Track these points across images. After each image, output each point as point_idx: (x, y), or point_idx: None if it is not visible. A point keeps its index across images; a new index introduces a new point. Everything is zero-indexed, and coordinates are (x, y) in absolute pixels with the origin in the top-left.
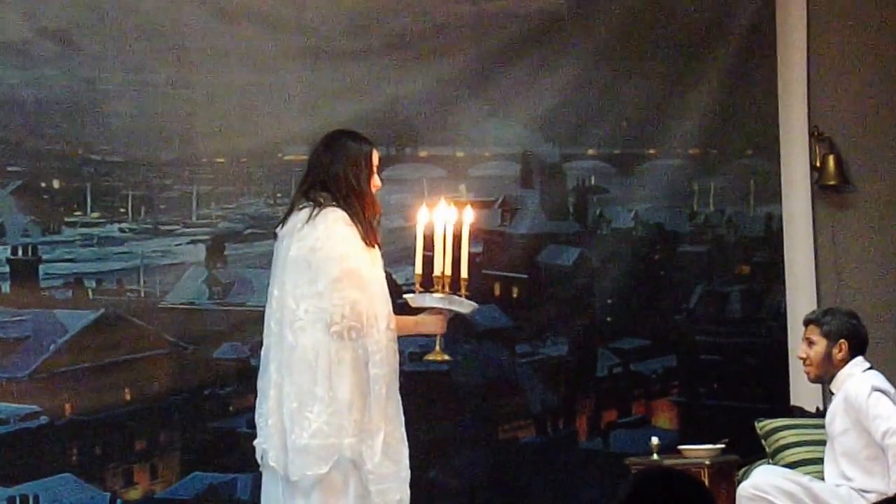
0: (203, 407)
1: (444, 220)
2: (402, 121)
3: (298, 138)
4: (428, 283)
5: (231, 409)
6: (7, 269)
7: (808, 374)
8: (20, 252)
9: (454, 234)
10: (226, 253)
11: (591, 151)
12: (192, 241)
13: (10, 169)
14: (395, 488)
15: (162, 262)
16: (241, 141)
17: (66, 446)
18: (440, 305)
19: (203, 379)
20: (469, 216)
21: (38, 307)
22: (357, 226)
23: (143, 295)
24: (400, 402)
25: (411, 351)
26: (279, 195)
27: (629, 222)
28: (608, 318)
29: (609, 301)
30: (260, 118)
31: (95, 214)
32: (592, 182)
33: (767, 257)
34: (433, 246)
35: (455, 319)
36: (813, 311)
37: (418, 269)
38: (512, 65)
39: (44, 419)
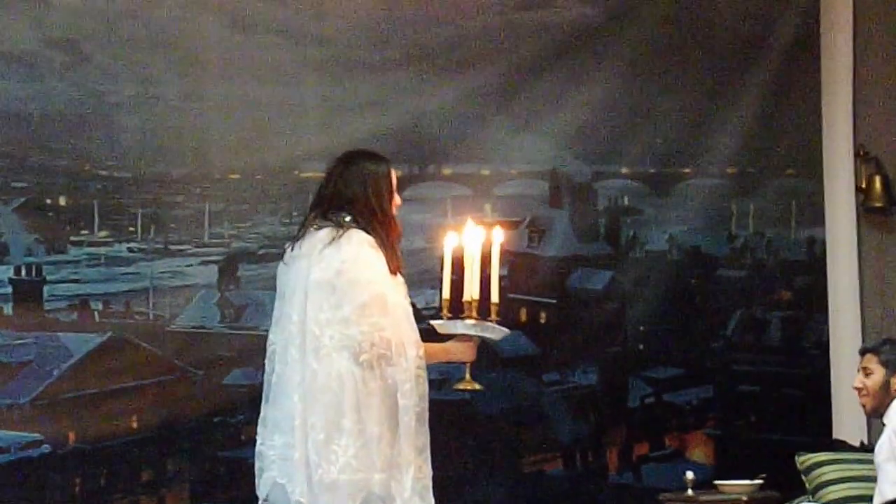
0: (213, 436)
1: (473, 241)
2: (424, 137)
3: (316, 154)
4: (456, 308)
5: (242, 437)
6: (10, 289)
7: (863, 405)
8: (24, 272)
9: (483, 257)
10: (238, 274)
11: (623, 170)
12: (204, 262)
13: (14, 185)
14: None
15: (172, 283)
16: (256, 157)
17: (70, 476)
18: (471, 332)
19: (213, 406)
20: (499, 236)
21: (42, 330)
22: (381, 250)
23: (151, 318)
24: (428, 435)
25: (432, 378)
26: (295, 213)
27: (664, 245)
28: (640, 346)
29: (642, 328)
30: (275, 133)
31: (103, 233)
32: (625, 202)
33: (809, 283)
34: (459, 269)
35: (481, 346)
36: (871, 341)
37: (446, 293)
38: (541, 78)
39: (46, 448)
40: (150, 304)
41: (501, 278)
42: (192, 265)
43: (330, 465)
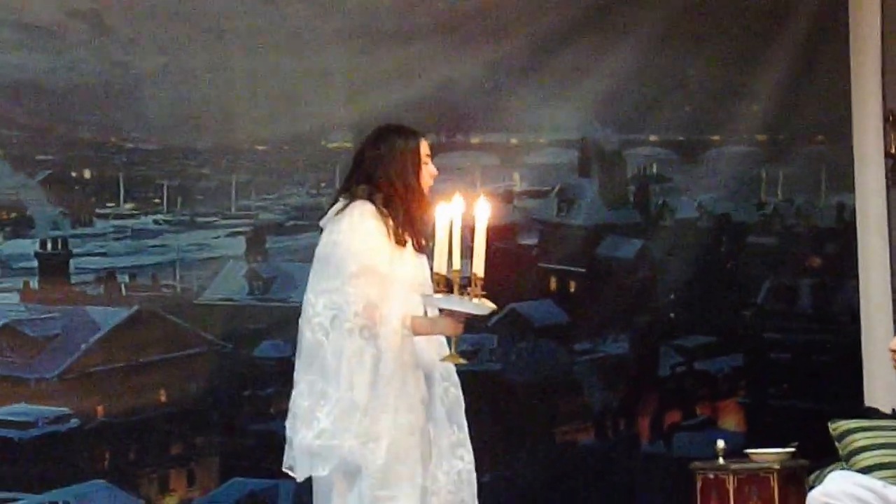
0: (243, 409)
1: (455, 215)
2: (452, 106)
3: (343, 125)
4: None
5: (272, 410)
6: (36, 263)
7: None
8: (49, 246)
9: (469, 230)
10: (266, 246)
11: (652, 138)
12: (231, 234)
13: (38, 158)
14: (410, 495)
15: (199, 255)
16: (283, 128)
17: (98, 451)
18: (448, 307)
19: (243, 379)
20: (484, 210)
21: (69, 304)
22: (387, 221)
23: (179, 291)
24: (425, 404)
25: (463, 349)
26: (322, 184)
27: (693, 212)
28: (671, 314)
29: (672, 296)
30: (302, 104)
31: (129, 206)
32: (654, 170)
33: (839, 249)
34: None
35: (509, 317)
36: None
37: (437, 267)
38: (569, 46)
39: (74, 422)
40: (178, 277)
41: (531, 247)
42: (219, 237)
43: (308, 431)
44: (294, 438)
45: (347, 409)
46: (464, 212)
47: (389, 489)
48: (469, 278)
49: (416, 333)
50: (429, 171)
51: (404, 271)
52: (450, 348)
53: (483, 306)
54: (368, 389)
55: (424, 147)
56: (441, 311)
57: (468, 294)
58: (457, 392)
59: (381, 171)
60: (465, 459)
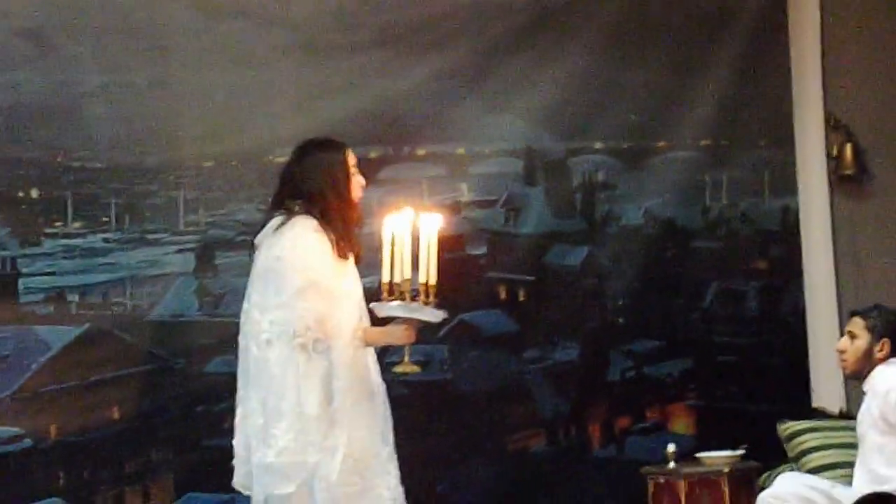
0: (196, 424)
1: (405, 224)
2: (398, 118)
3: (289, 139)
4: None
5: (225, 425)
6: None
7: (843, 368)
8: None
9: (417, 240)
10: (216, 262)
11: (597, 145)
12: (181, 250)
13: None
14: None
15: (149, 272)
16: (229, 143)
17: (53, 470)
18: (402, 314)
19: (195, 395)
20: (436, 220)
21: (19, 323)
22: (329, 235)
23: (129, 308)
24: (382, 416)
25: (416, 360)
26: (271, 199)
27: (639, 219)
28: (620, 320)
29: (620, 302)
30: (248, 119)
31: (77, 224)
32: (599, 178)
33: (784, 252)
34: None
35: (459, 326)
36: (861, 306)
37: (385, 276)
38: (512, 56)
39: (27, 442)
40: (128, 295)
41: (479, 257)
42: (168, 254)
43: (268, 449)
44: (252, 457)
45: (306, 425)
46: (412, 222)
47: (346, 500)
48: (417, 288)
49: (368, 344)
50: (358, 181)
51: (348, 284)
52: (404, 357)
53: (437, 313)
54: (323, 403)
55: (351, 157)
56: (391, 319)
57: (418, 302)
58: (387, 407)
59: (311, 186)
60: (393, 474)
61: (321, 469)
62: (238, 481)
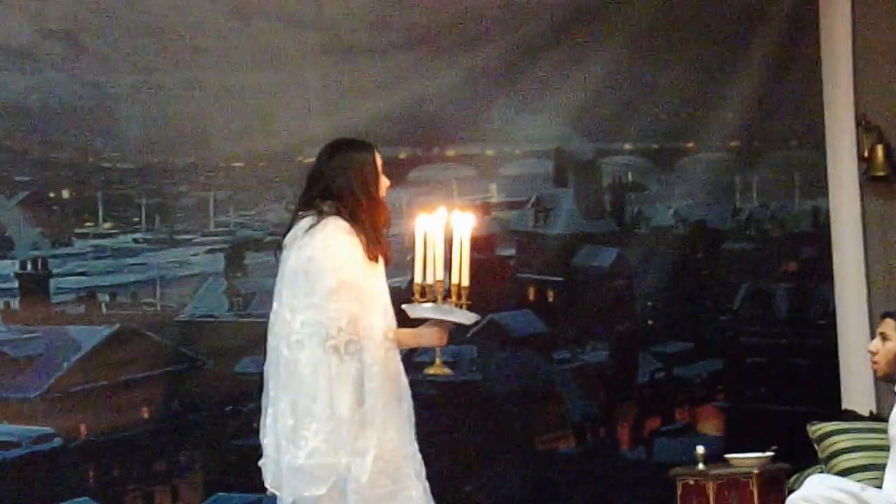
0: (225, 424)
1: (440, 226)
2: (428, 119)
3: (319, 140)
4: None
5: (254, 425)
6: (16, 284)
7: (875, 370)
8: (29, 266)
9: (450, 241)
10: (245, 262)
11: (627, 146)
12: (210, 251)
13: (16, 179)
14: None
15: (179, 273)
16: (259, 144)
17: (82, 469)
18: (435, 316)
19: (224, 395)
20: (468, 221)
21: (50, 323)
22: (360, 236)
23: (159, 308)
24: (408, 417)
25: (446, 360)
26: (299, 198)
27: (669, 220)
28: (649, 321)
29: (650, 303)
30: (278, 119)
31: (108, 225)
32: (629, 178)
33: (815, 253)
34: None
35: (488, 327)
36: (893, 307)
37: (417, 277)
38: (542, 57)
39: (58, 441)
40: (158, 295)
41: (509, 258)
42: (198, 254)
43: (298, 450)
44: (282, 459)
45: (336, 426)
46: (445, 222)
47: (376, 501)
48: (448, 289)
49: (401, 346)
50: (384, 182)
51: (378, 285)
52: (436, 359)
53: (470, 315)
54: (354, 405)
55: (379, 159)
56: (422, 320)
57: (450, 303)
58: (411, 407)
59: (341, 183)
60: (422, 475)
61: (352, 471)
62: (270, 482)
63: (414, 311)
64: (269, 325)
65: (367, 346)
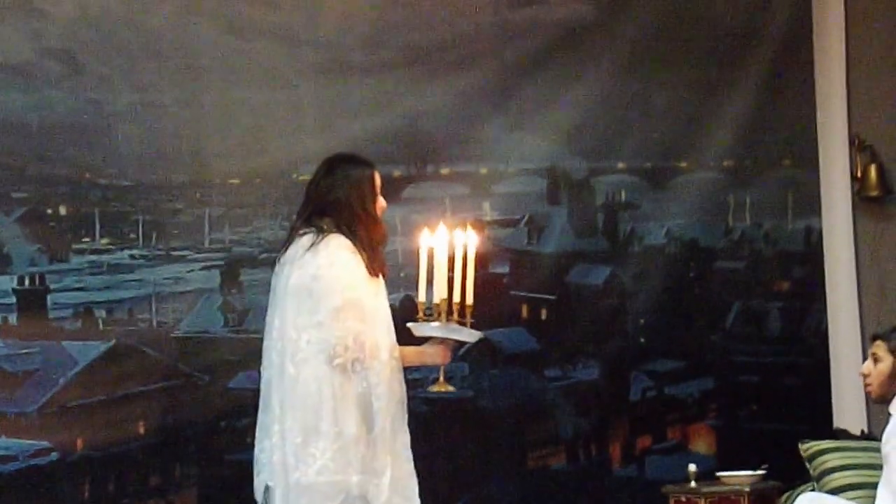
0: (220, 439)
1: (442, 243)
2: (422, 137)
3: (314, 157)
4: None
5: (248, 440)
6: (14, 299)
7: (868, 392)
8: (27, 282)
9: (453, 258)
10: (241, 279)
11: (620, 165)
12: (206, 267)
13: (14, 195)
14: None
15: (175, 289)
16: (255, 161)
17: (79, 483)
18: (440, 334)
19: (219, 410)
20: (472, 239)
21: (47, 339)
22: (361, 254)
23: (155, 324)
24: (408, 435)
25: (435, 376)
26: (294, 217)
27: (662, 239)
28: (641, 340)
29: (642, 321)
30: (274, 137)
31: (104, 241)
32: (622, 197)
33: (807, 272)
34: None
35: (480, 344)
36: (881, 327)
37: (421, 295)
38: (536, 76)
39: (54, 455)
40: (154, 311)
41: (502, 275)
42: (193, 270)
43: (307, 468)
44: (290, 476)
45: (345, 444)
46: (447, 241)
47: None
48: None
49: (405, 364)
50: (380, 203)
51: (381, 302)
52: (439, 376)
53: (474, 333)
54: (362, 423)
55: (377, 178)
56: (423, 339)
57: (453, 322)
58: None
59: (339, 197)
60: (416, 491)
61: (369, 491)
62: (278, 500)
63: (419, 329)
64: (269, 341)
65: (373, 365)
